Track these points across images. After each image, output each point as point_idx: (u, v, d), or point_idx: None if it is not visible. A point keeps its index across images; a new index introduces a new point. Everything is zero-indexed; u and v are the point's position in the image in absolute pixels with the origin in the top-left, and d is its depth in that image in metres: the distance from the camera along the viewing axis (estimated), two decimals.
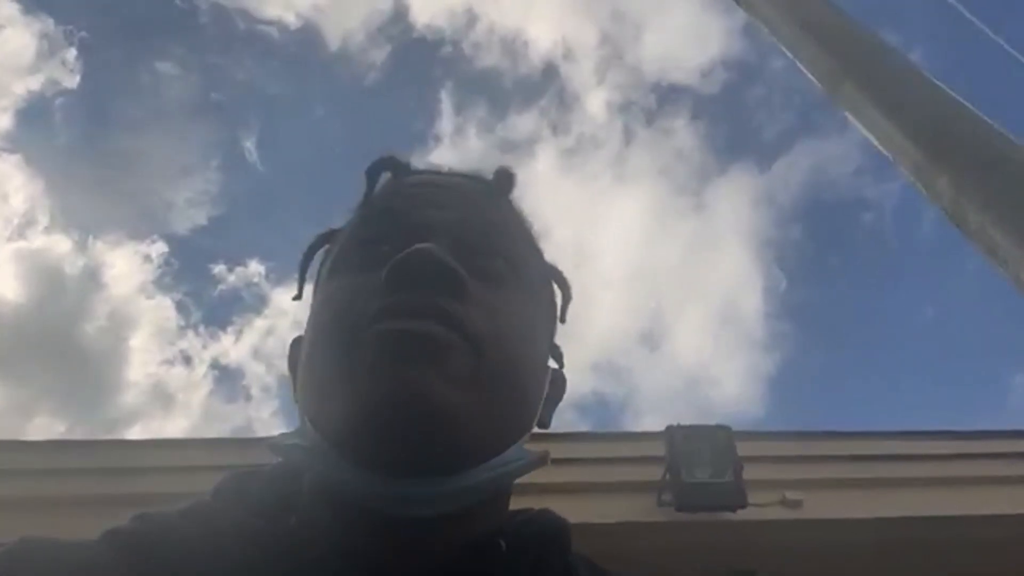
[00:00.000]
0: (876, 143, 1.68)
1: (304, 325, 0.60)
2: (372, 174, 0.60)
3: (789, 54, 1.99)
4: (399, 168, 0.61)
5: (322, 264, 0.63)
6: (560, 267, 0.66)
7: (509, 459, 0.51)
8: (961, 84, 1.63)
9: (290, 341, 0.63)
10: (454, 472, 0.48)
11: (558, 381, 0.62)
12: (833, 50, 1.88)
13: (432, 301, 0.49)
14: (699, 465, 3.23)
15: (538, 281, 0.61)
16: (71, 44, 8.68)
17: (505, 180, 0.61)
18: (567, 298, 0.65)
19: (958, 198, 1.37)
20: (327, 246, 0.64)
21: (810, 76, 1.89)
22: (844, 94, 1.80)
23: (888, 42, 1.87)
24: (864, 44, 1.88)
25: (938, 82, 1.66)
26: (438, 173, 0.63)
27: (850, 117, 1.76)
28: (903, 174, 1.58)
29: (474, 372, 0.49)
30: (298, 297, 0.63)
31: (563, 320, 0.65)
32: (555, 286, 0.65)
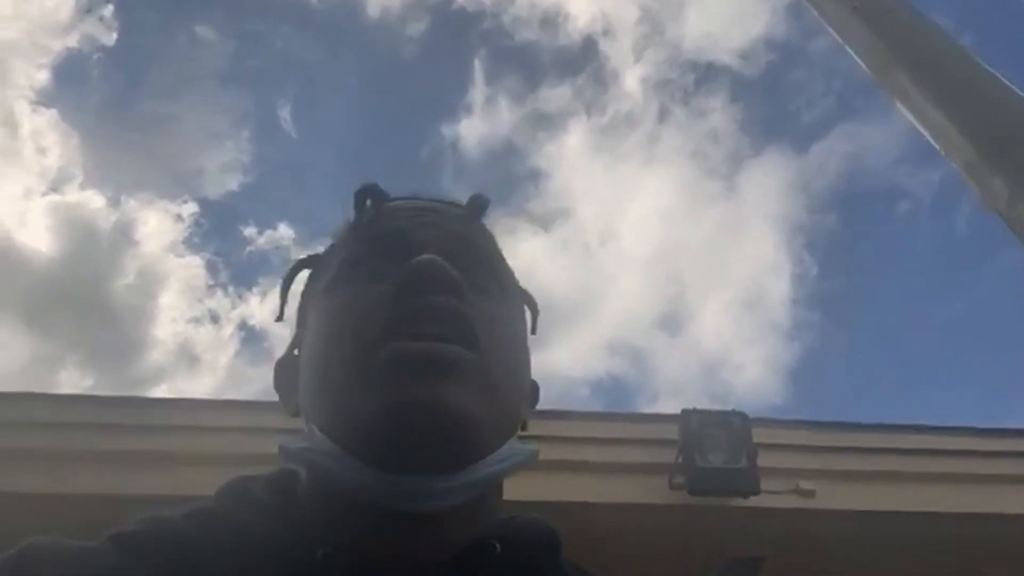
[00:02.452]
0: (926, 135, 1.61)
1: (286, 345, 0.64)
2: (359, 199, 0.63)
3: (837, 37, 1.91)
4: (381, 195, 0.64)
5: (312, 283, 0.65)
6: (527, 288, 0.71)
7: (504, 456, 0.54)
8: (1021, 76, 1.56)
9: (275, 364, 0.66)
10: (461, 469, 0.51)
11: (533, 391, 0.66)
12: (884, 34, 1.80)
13: (448, 302, 0.54)
14: (713, 450, 3.21)
15: (516, 294, 0.66)
16: (109, 1, 8.62)
17: (480, 204, 0.65)
18: (535, 312, 0.70)
19: (1014, 200, 1.31)
20: (308, 270, 0.67)
21: (859, 61, 1.81)
22: (895, 82, 1.72)
23: (943, 27, 1.79)
24: (917, 29, 1.79)
25: (997, 74, 1.58)
26: (418, 198, 0.66)
27: (900, 107, 1.69)
28: (954, 170, 1.52)
29: (483, 382, 0.53)
30: (280, 319, 0.66)
31: (534, 332, 0.69)
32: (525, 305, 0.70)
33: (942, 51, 1.71)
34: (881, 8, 1.87)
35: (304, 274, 0.67)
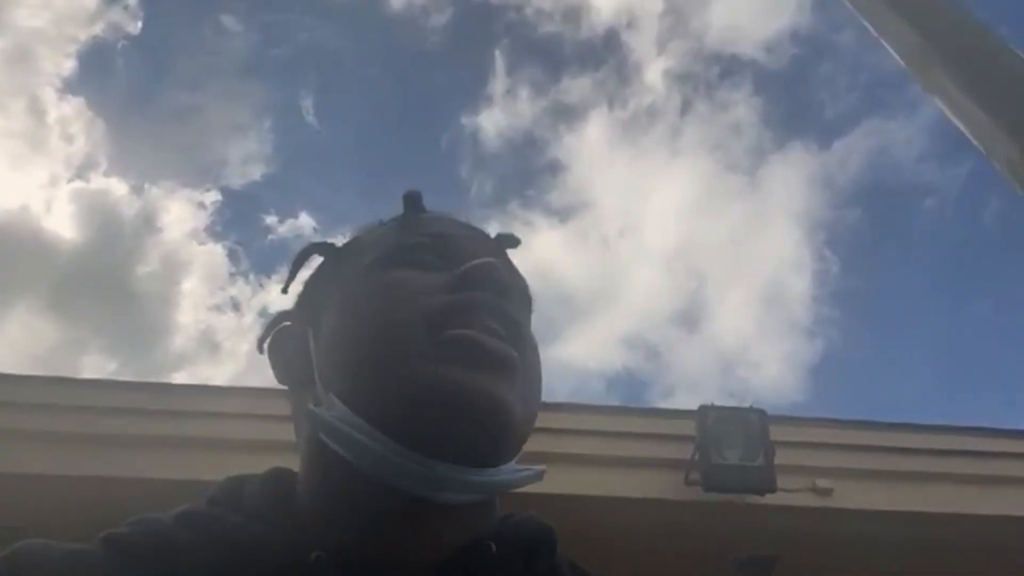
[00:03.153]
0: (966, 133, 1.57)
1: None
2: (409, 201, 0.66)
3: (874, 31, 1.86)
4: (421, 206, 0.67)
5: (338, 265, 0.64)
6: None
7: (517, 468, 0.55)
8: None
9: (276, 329, 0.65)
10: (485, 467, 0.52)
11: None
12: (923, 29, 1.76)
13: (498, 301, 0.55)
14: (730, 447, 3.19)
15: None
16: None
17: (510, 241, 0.69)
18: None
19: None
20: (321, 256, 0.67)
21: (896, 56, 1.77)
22: (933, 78, 1.68)
23: (984, 21, 1.75)
24: (958, 23, 1.75)
25: None
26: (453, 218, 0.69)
27: (939, 103, 1.65)
28: (996, 169, 1.48)
29: (523, 390, 0.54)
30: (285, 291, 0.66)
31: None
32: None
33: (983, 45, 1.66)
34: (919, 0, 1.83)
35: (314, 262, 0.67)
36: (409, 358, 0.52)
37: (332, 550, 0.48)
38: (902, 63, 1.74)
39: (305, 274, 0.67)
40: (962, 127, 1.57)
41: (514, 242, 0.69)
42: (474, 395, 0.51)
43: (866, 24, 1.85)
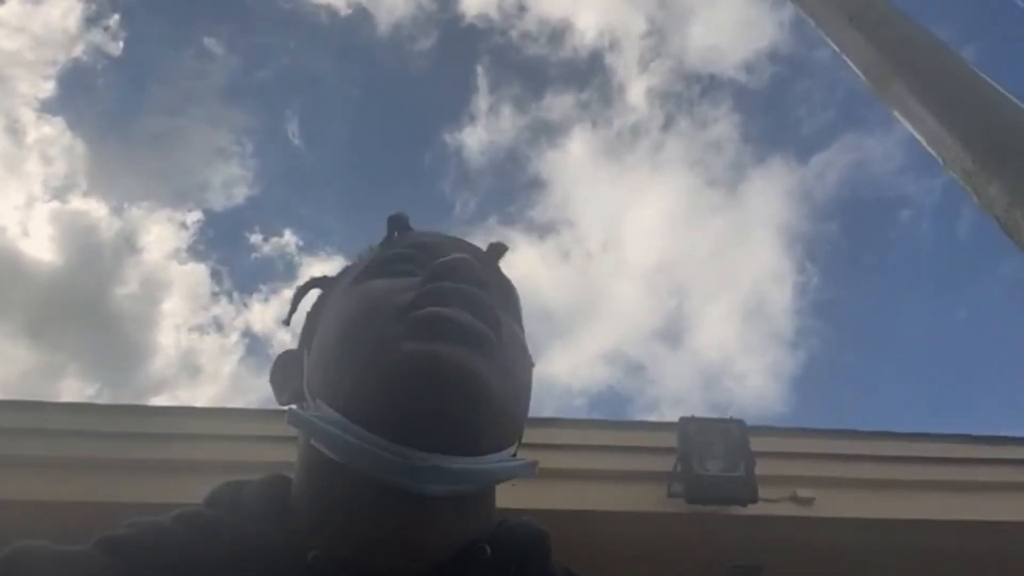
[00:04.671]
0: (925, 144, 1.63)
1: (291, 343, 0.67)
2: (392, 223, 0.67)
3: (836, 49, 1.92)
4: (408, 224, 0.68)
5: (328, 292, 0.67)
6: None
7: (505, 458, 0.54)
8: (1018, 84, 1.58)
9: (277, 356, 0.67)
10: (466, 454, 0.50)
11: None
12: (882, 46, 1.82)
13: (471, 288, 0.55)
14: (711, 458, 3.21)
15: (522, 331, 0.67)
16: (115, 10, 8.65)
17: (498, 250, 0.69)
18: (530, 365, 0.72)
19: (1011, 206, 1.33)
20: (321, 290, 0.69)
21: (857, 72, 1.83)
22: (892, 92, 1.74)
23: (940, 38, 1.81)
24: (915, 40, 1.81)
25: (992, 81, 1.60)
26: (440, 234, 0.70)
27: (898, 116, 1.71)
28: (953, 178, 1.53)
29: (503, 368, 0.53)
30: (287, 322, 0.68)
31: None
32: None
33: (938, 60, 1.73)
34: (877, 19, 1.89)
35: (314, 294, 0.69)
36: (378, 345, 0.52)
37: (328, 551, 0.48)
38: (862, 77, 1.80)
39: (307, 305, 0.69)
40: (920, 139, 1.63)
41: (502, 249, 0.69)
42: (443, 365, 0.50)
43: (828, 40, 1.92)
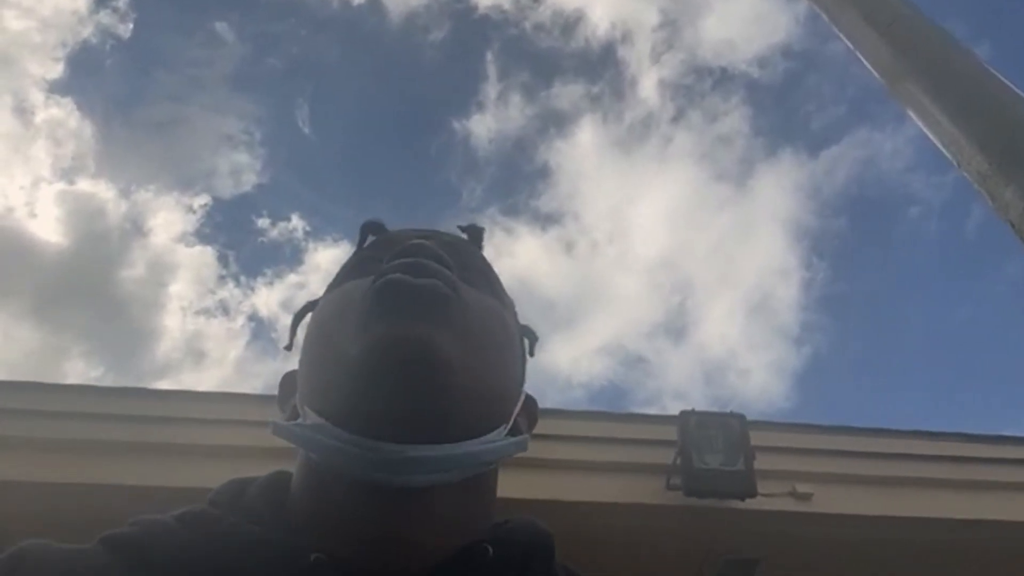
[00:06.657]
0: (938, 145, 1.61)
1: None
2: (364, 230, 0.67)
3: (849, 45, 1.90)
4: (382, 228, 0.69)
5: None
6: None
7: (491, 439, 0.54)
8: None
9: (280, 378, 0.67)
10: (444, 440, 0.50)
11: (531, 406, 0.65)
12: (895, 43, 1.80)
13: (430, 263, 0.55)
14: (711, 451, 3.21)
15: (508, 304, 0.66)
16: None
17: (476, 233, 0.69)
18: (534, 339, 0.71)
19: None
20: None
21: (870, 69, 1.81)
22: (905, 90, 1.72)
23: (955, 36, 1.79)
24: (929, 38, 1.79)
25: (1009, 82, 1.58)
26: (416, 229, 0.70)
27: (911, 115, 1.69)
28: (965, 178, 1.52)
29: (464, 325, 0.53)
30: (288, 347, 0.68)
31: (531, 354, 0.70)
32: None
33: (954, 60, 1.71)
34: (891, 15, 1.87)
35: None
36: (345, 342, 0.53)
37: (328, 551, 0.49)
38: (877, 76, 1.78)
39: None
40: (934, 139, 1.61)
41: (478, 231, 0.69)
42: (398, 350, 0.50)
43: (843, 38, 1.89)
